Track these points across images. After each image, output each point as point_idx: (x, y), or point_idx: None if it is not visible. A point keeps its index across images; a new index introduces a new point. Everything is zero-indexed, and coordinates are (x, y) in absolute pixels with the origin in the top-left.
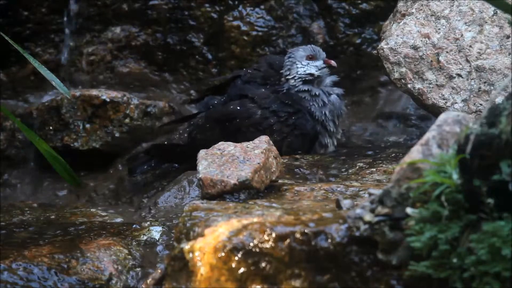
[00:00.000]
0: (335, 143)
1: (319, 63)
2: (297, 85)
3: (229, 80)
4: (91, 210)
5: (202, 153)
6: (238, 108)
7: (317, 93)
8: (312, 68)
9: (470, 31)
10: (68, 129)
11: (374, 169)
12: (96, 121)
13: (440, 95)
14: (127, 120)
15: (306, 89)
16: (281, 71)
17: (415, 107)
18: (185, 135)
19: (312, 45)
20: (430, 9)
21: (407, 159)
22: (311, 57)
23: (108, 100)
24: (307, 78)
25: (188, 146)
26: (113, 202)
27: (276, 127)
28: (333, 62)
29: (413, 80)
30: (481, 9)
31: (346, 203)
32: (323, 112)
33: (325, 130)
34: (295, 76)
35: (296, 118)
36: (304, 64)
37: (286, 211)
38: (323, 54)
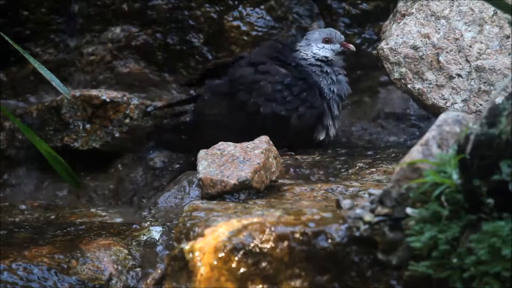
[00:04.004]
0: (336, 128)
1: (336, 46)
2: (309, 61)
3: (231, 62)
4: (91, 210)
5: (202, 153)
6: (249, 80)
7: (328, 70)
8: (327, 51)
9: (470, 31)
10: (68, 129)
11: (374, 169)
12: (96, 121)
13: (440, 95)
14: (127, 120)
15: (318, 64)
16: (292, 52)
17: (415, 107)
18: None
19: (330, 28)
20: (430, 9)
21: (407, 159)
22: (327, 40)
23: (108, 100)
24: (321, 59)
25: (194, 122)
26: (113, 202)
27: (289, 99)
28: (351, 46)
29: (413, 80)
30: (481, 9)
31: (346, 203)
32: (332, 89)
33: (329, 110)
34: (308, 56)
35: (308, 94)
36: (320, 47)
37: (286, 211)
38: (341, 38)
